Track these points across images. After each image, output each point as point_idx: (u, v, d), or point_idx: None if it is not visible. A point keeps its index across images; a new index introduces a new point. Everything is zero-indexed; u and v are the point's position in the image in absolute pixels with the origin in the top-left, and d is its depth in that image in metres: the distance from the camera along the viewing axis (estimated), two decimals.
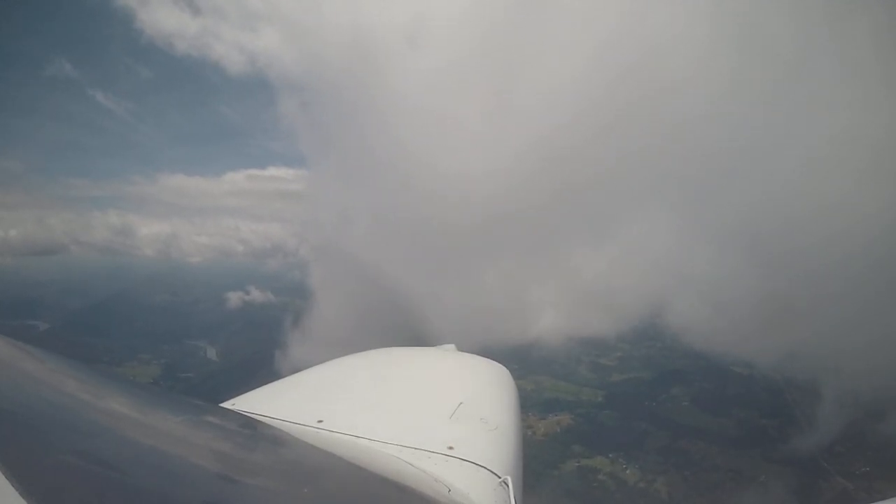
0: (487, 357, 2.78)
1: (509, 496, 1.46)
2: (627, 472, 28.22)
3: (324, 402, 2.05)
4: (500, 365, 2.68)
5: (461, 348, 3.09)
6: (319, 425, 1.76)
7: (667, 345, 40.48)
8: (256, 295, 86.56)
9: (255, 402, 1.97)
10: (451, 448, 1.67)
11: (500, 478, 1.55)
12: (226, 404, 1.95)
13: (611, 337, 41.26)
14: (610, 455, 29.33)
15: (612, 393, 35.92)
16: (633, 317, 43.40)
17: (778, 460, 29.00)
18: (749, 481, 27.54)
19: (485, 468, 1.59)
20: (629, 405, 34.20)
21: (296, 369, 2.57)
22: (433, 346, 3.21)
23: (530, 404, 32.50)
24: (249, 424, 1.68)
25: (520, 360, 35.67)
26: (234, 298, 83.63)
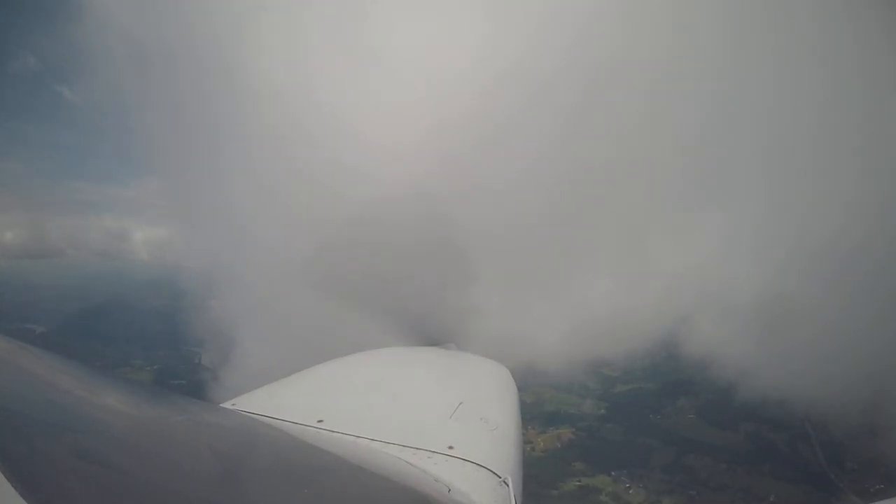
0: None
1: (510, 496, 1.45)
2: (631, 492, 27.31)
3: (324, 401, 2.04)
4: (500, 364, 2.68)
5: (461, 348, 3.07)
6: (319, 425, 1.76)
7: (672, 354, 39.76)
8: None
9: (256, 402, 1.96)
10: (451, 448, 1.66)
11: (500, 478, 1.55)
12: (226, 404, 1.94)
13: (616, 352, 40.54)
14: (612, 473, 28.48)
15: (616, 404, 35.16)
16: (641, 332, 42.38)
17: (788, 477, 28.16)
18: (758, 502, 26.63)
19: (485, 468, 1.59)
20: (633, 418, 33.43)
21: (293, 372, 2.54)
22: (433, 345, 3.19)
23: (530, 417, 31.76)
24: (249, 424, 1.68)
25: (520, 371, 35.05)
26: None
